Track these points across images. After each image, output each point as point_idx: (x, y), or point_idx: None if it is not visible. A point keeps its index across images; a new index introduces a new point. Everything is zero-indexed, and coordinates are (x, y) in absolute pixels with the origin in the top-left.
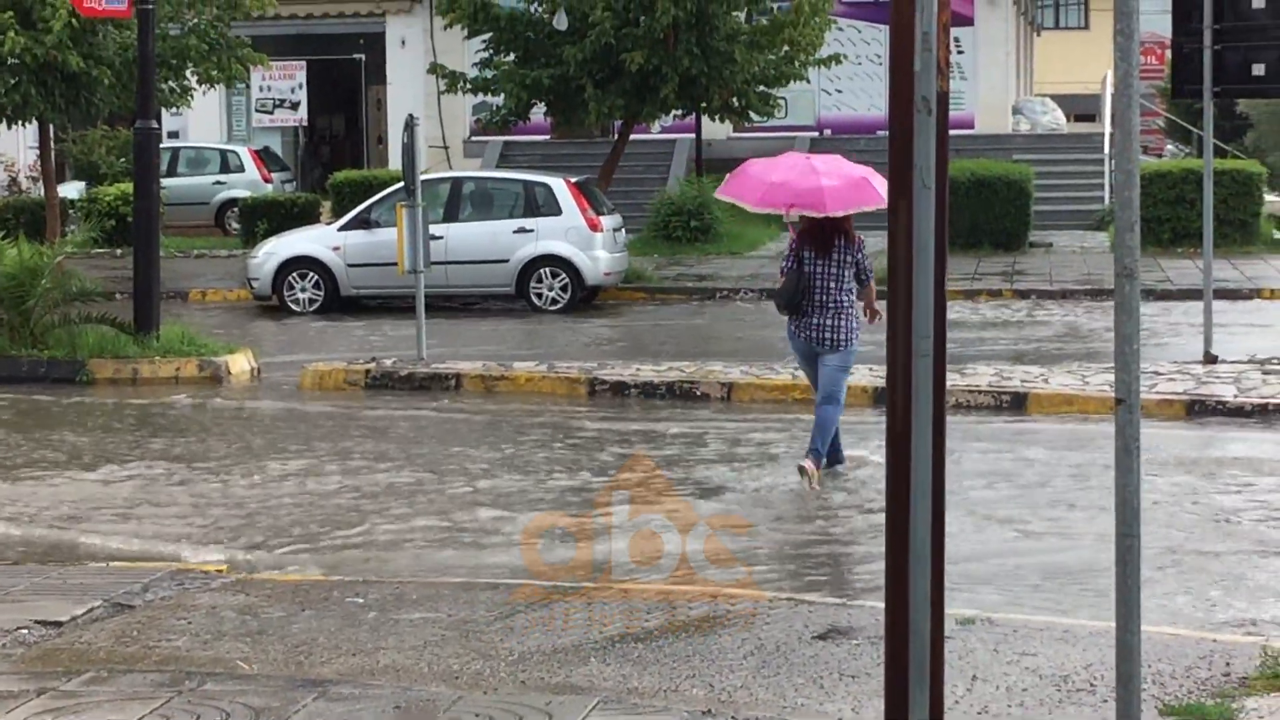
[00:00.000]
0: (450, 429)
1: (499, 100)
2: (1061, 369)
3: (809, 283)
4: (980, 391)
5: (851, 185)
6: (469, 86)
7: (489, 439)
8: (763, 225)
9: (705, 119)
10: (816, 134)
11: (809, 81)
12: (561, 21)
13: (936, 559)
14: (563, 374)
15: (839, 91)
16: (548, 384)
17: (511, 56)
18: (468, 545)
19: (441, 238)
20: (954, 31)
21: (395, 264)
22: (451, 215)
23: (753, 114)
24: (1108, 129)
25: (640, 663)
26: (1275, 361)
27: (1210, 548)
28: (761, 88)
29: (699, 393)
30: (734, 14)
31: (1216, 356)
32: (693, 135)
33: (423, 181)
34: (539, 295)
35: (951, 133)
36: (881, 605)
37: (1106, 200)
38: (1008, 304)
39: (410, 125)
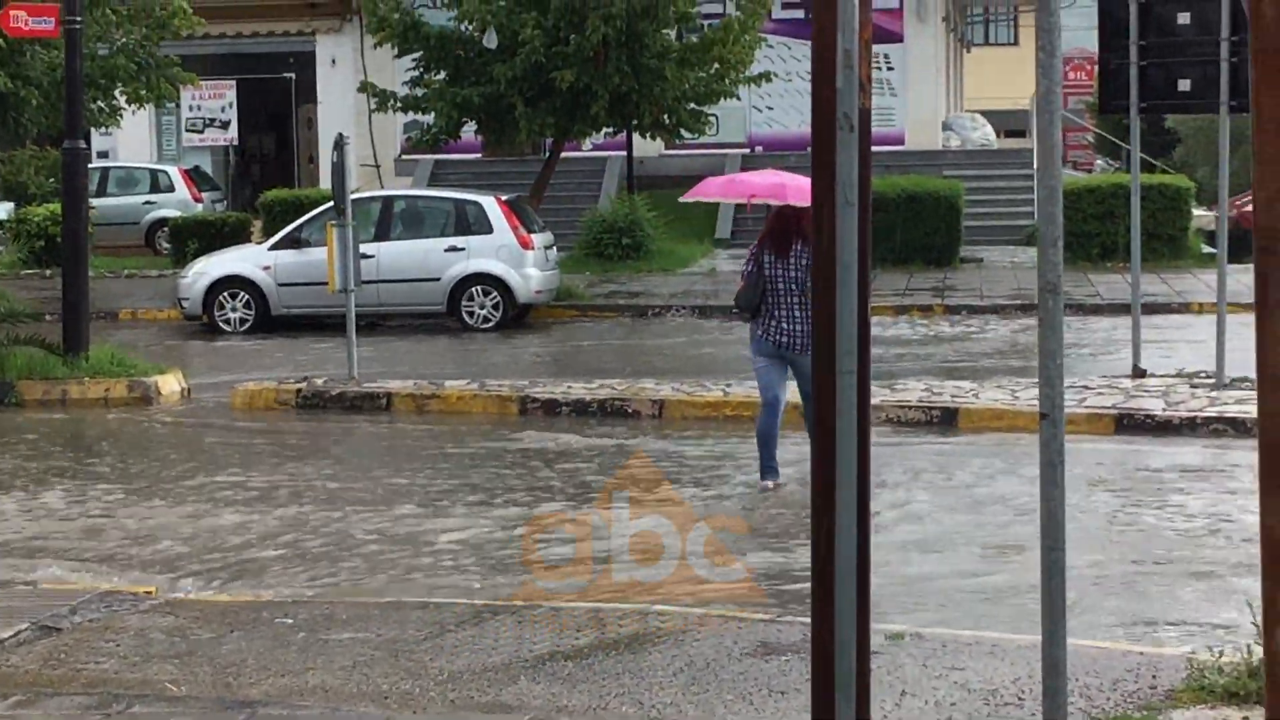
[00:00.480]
0: (381, 448)
1: (430, 119)
2: (992, 384)
3: (770, 285)
4: (911, 407)
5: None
6: (399, 105)
7: (419, 458)
8: (695, 242)
9: (636, 136)
10: (748, 151)
11: (739, 99)
12: (491, 40)
13: (862, 574)
14: (494, 392)
15: (770, 109)
16: (479, 403)
17: (442, 75)
18: (399, 565)
19: (373, 256)
20: (883, 49)
21: (326, 283)
22: (383, 234)
23: (684, 131)
24: (1036, 144)
25: (570, 681)
26: (1204, 375)
27: (1139, 561)
28: (692, 105)
29: (630, 410)
30: (664, 32)
31: (1145, 370)
32: (624, 153)
33: (354, 200)
34: (471, 314)
35: (882, 149)
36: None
37: (1036, 215)
38: (939, 319)
39: (340, 144)
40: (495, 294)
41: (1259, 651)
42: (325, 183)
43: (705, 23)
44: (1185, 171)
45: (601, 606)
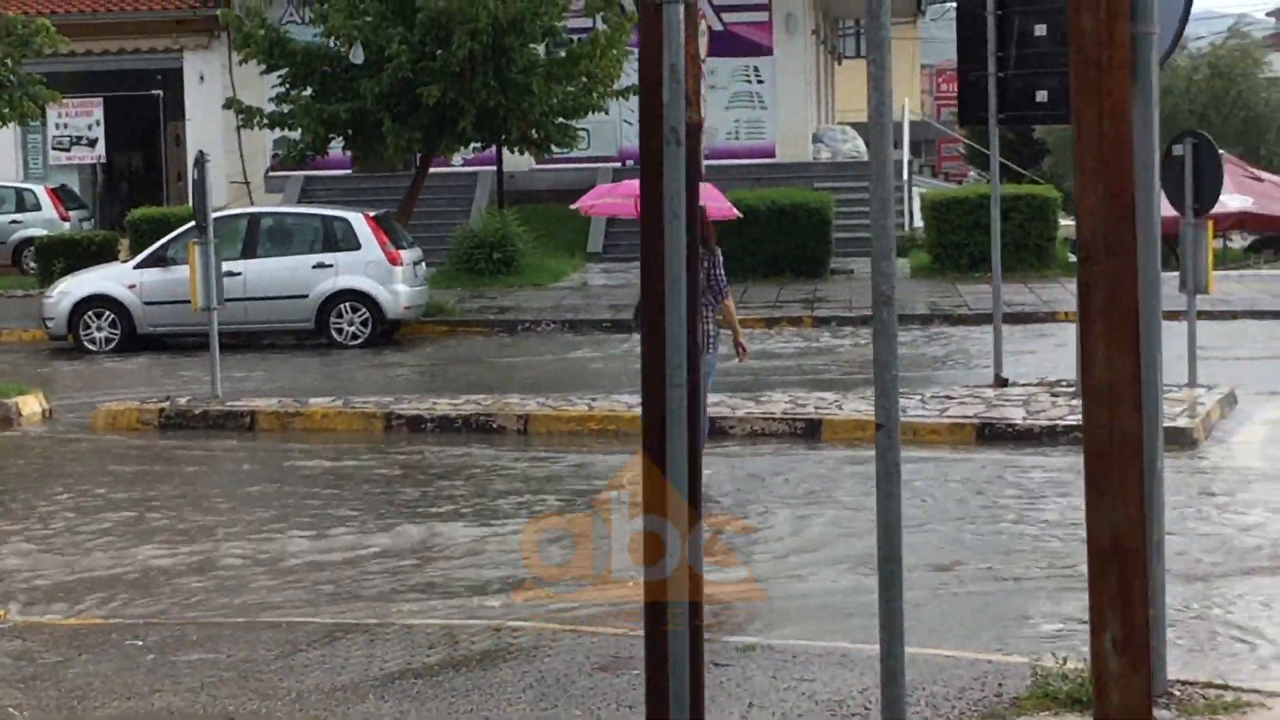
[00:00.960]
0: (242, 468)
1: (297, 135)
2: (856, 395)
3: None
4: (775, 419)
5: (710, 196)
6: (265, 122)
7: (280, 477)
8: (567, 257)
9: (507, 151)
10: (619, 164)
11: (608, 113)
12: (358, 55)
13: (695, 588)
14: (359, 409)
15: None
16: (343, 420)
17: (309, 91)
18: (254, 585)
19: (240, 274)
20: (753, 62)
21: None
22: (250, 251)
23: (553, 145)
24: (906, 156)
25: (419, 699)
26: (1065, 384)
27: (993, 569)
28: (560, 119)
29: (495, 425)
30: (531, 46)
31: (1007, 380)
32: (494, 168)
33: (221, 217)
34: (339, 330)
35: (752, 161)
36: None
37: (906, 227)
38: (807, 331)
39: (200, 161)
40: (364, 310)
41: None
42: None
43: (573, 37)
44: (1054, 182)
45: (454, 623)
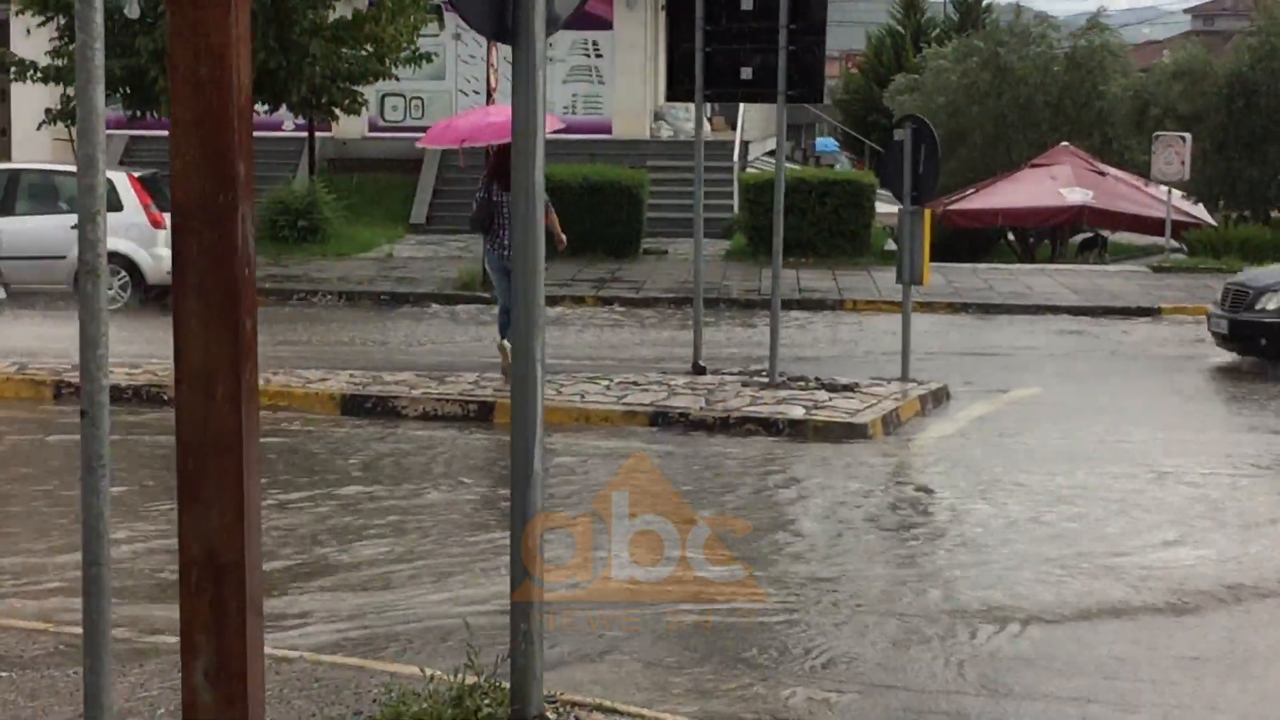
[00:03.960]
0: None
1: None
2: (574, 379)
3: (497, 210)
4: (450, 400)
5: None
6: (39, 76)
7: None
8: (388, 226)
9: (346, 117)
10: None
11: (398, 79)
12: (133, 10)
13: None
14: (30, 375)
15: (476, 93)
16: (11, 386)
17: None
18: None
19: None
20: (593, 35)
21: None
22: (7, 209)
23: (336, 110)
24: (739, 136)
25: None
26: (763, 374)
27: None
28: (345, 84)
29: (167, 397)
30: (318, 10)
31: (704, 368)
32: (328, 134)
33: None
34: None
35: (588, 137)
36: None
37: (735, 209)
38: (587, 310)
39: None
40: (124, 274)
41: (474, 677)
42: None
43: (364, 4)
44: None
45: None
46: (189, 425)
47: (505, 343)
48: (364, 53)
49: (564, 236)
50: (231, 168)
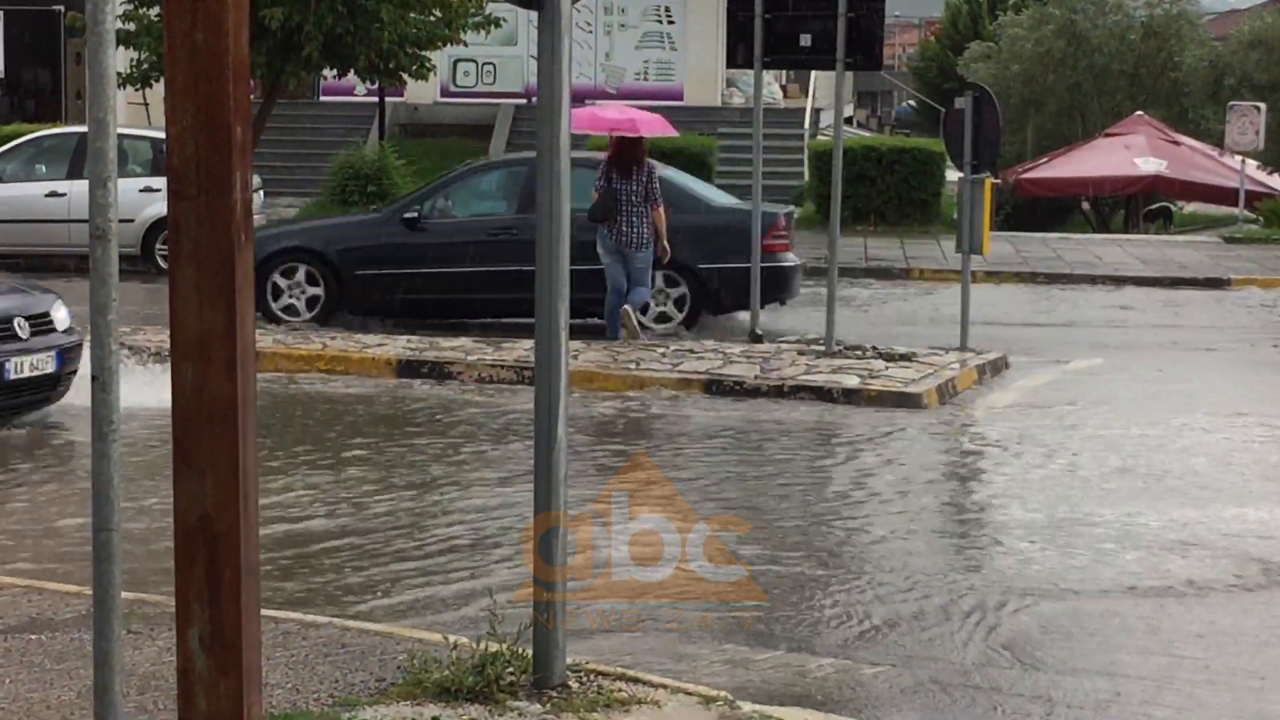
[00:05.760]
0: None
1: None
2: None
3: (616, 198)
4: (505, 366)
5: (653, 120)
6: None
7: None
8: None
9: (414, 83)
10: (524, 101)
11: (466, 44)
12: None
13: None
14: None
15: None
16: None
17: (155, 10)
18: None
19: (65, 195)
20: (664, 1)
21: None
22: (76, 172)
23: (404, 75)
24: (810, 105)
25: None
26: (820, 343)
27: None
28: (413, 49)
29: None
30: None
31: (761, 336)
32: (400, 99)
33: (43, 136)
34: (165, 256)
35: (660, 104)
36: None
37: (806, 176)
38: None
39: None
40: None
41: (496, 645)
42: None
43: None
44: None
45: None
46: (184, 393)
47: (626, 307)
48: (432, 18)
49: (668, 248)
50: (228, 133)
